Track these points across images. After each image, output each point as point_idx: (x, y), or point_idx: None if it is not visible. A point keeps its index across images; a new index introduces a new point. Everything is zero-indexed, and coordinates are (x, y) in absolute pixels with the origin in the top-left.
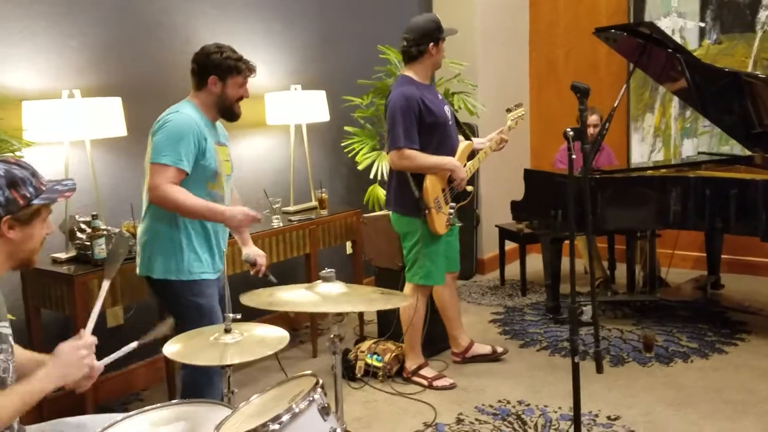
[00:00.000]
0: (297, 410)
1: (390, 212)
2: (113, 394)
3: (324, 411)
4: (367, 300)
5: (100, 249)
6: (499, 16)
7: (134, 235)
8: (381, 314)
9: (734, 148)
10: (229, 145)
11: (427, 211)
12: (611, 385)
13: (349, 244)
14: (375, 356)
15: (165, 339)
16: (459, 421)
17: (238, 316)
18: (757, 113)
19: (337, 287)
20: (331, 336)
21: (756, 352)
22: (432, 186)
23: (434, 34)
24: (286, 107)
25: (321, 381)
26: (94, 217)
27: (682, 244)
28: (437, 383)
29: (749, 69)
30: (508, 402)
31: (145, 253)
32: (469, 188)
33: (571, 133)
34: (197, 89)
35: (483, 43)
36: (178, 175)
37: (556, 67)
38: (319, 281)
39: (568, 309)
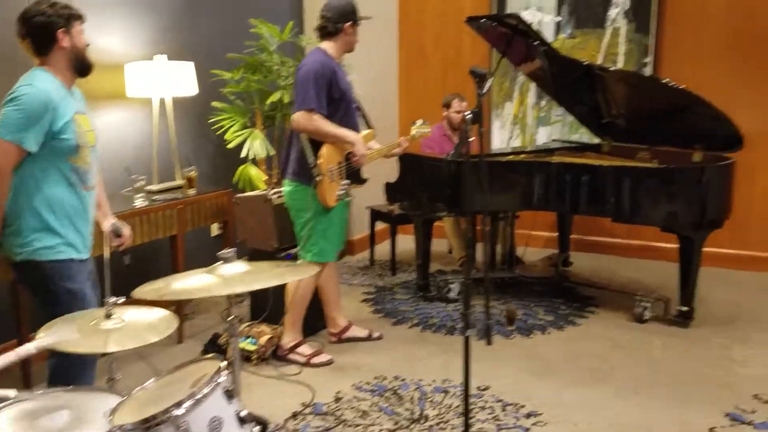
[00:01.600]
0: (200, 395)
1: (285, 182)
2: None
3: (229, 394)
4: (277, 274)
5: None
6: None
7: None
8: (253, 296)
9: (583, 136)
10: (88, 112)
11: (319, 178)
12: (479, 357)
13: (215, 225)
14: (249, 339)
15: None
16: (337, 399)
17: (120, 300)
18: (606, 104)
19: (240, 266)
20: (230, 318)
21: (605, 324)
22: (328, 155)
23: (351, 15)
24: (149, 79)
25: (225, 364)
26: None
27: (536, 224)
28: (315, 360)
29: (599, 63)
30: (385, 378)
31: (6, 235)
32: (366, 176)
33: (470, 116)
34: (44, 55)
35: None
36: (19, 153)
37: (424, 53)
38: (219, 263)
39: (463, 285)
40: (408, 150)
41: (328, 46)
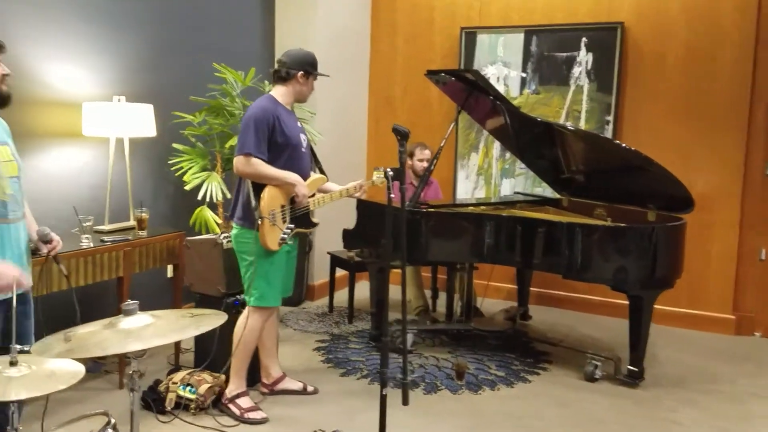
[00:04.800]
0: None
1: (232, 226)
2: None
3: None
4: (178, 329)
5: None
6: (341, 47)
7: None
8: (198, 343)
9: (546, 190)
10: (11, 142)
11: (260, 221)
12: (420, 412)
13: (170, 267)
14: (188, 388)
15: None
16: None
17: (27, 348)
18: (565, 160)
19: (142, 319)
20: (130, 372)
21: (554, 382)
22: (270, 198)
23: (306, 66)
24: (107, 119)
25: (113, 421)
26: None
27: (496, 276)
28: (249, 415)
29: (562, 119)
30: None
31: None
32: (316, 220)
33: (391, 173)
34: None
35: (324, 72)
36: None
37: (393, 102)
38: (120, 316)
39: (382, 341)
40: (369, 197)
41: (278, 92)
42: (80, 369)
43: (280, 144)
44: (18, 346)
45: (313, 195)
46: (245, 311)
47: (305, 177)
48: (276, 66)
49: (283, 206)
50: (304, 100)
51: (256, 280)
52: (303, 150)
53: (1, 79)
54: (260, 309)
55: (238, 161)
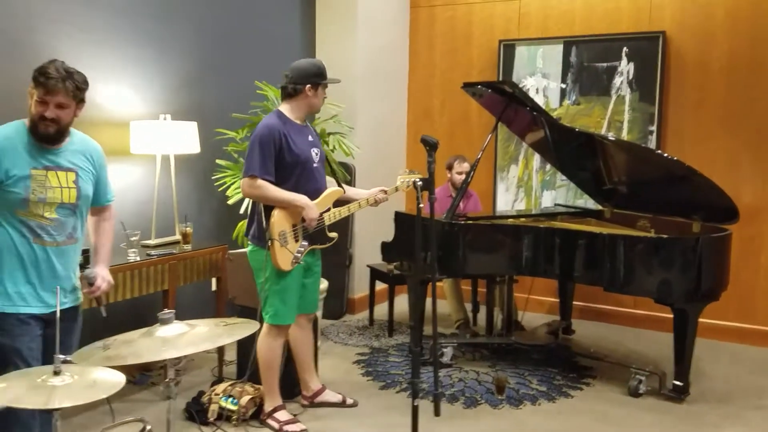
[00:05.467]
0: None
1: (247, 243)
2: None
3: None
4: (211, 337)
5: None
6: (380, 61)
7: None
8: (241, 354)
9: (587, 201)
10: (87, 168)
11: (270, 243)
12: (457, 427)
13: (214, 280)
14: (230, 399)
15: None
16: None
17: (69, 358)
18: (607, 171)
19: (177, 328)
20: (166, 380)
21: (598, 397)
22: (279, 219)
23: (313, 77)
24: (153, 137)
25: (149, 427)
26: None
27: (538, 289)
28: (288, 428)
29: (604, 129)
30: None
31: None
32: (333, 235)
33: (420, 183)
34: None
35: (363, 87)
36: None
37: (431, 115)
38: (156, 325)
39: (412, 353)
40: (412, 209)
41: (286, 107)
42: (121, 378)
43: (290, 162)
44: (62, 356)
45: (327, 210)
46: (263, 329)
47: (319, 193)
48: (282, 82)
49: (294, 226)
50: (317, 111)
51: (270, 297)
52: (315, 165)
53: (39, 117)
54: (275, 327)
55: (244, 183)
